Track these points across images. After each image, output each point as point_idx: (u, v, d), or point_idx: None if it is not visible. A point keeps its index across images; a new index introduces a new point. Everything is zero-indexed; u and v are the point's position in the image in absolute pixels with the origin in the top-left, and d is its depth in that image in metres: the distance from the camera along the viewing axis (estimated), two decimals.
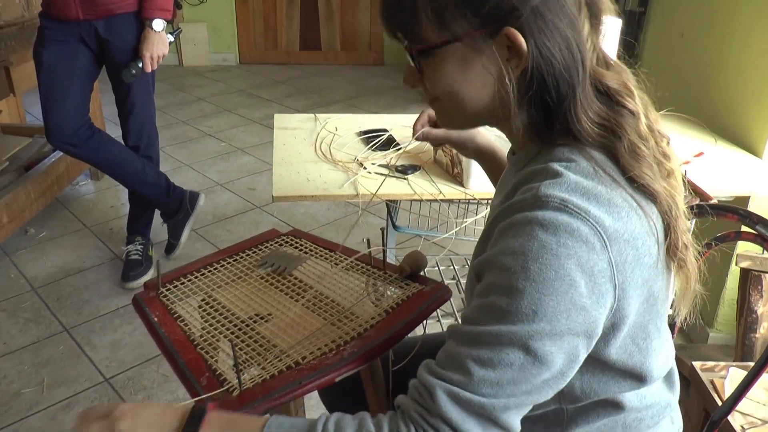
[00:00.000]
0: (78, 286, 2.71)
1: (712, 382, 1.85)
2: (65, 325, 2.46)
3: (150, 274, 2.76)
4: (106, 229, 3.17)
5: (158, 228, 3.00)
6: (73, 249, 2.99)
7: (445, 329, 1.88)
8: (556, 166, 0.80)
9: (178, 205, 2.85)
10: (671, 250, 0.84)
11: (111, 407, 0.85)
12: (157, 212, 2.92)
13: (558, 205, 0.75)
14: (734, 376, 1.87)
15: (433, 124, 1.29)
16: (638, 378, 0.89)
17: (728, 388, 1.84)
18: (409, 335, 1.18)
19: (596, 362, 0.85)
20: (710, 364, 1.90)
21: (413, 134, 1.27)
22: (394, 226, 1.86)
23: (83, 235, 3.12)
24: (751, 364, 1.93)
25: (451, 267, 2.21)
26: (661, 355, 0.91)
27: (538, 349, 0.75)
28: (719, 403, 1.81)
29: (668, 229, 0.83)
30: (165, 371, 2.22)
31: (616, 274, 0.76)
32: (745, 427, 1.74)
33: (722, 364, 1.92)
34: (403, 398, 0.84)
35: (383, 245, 1.35)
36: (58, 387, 2.15)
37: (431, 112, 1.26)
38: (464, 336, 0.80)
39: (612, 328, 0.81)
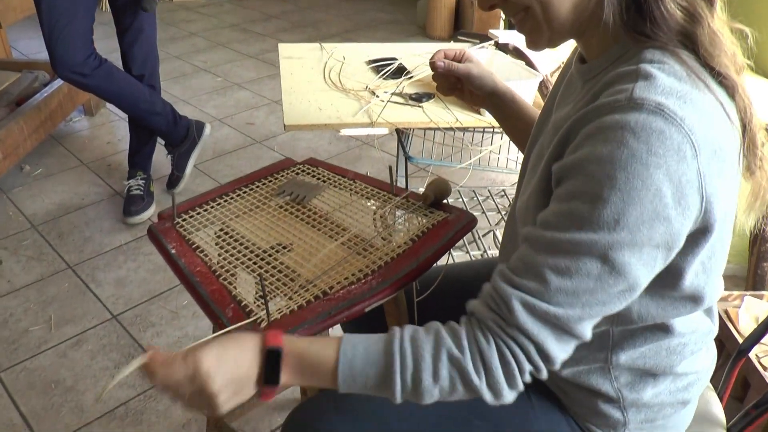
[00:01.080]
0: (78, 224, 2.66)
1: (726, 312, 1.84)
2: (68, 262, 2.42)
3: (152, 210, 2.70)
4: (104, 165, 3.10)
5: (158, 164, 2.94)
6: (71, 186, 2.93)
7: (471, 258, 1.85)
8: (648, 68, 0.75)
9: (184, 134, 2.78)
10: (749, 152, 0.80)
11: (191, 365, 0.80)
12: (159, 147, 2.85)
13: (653, 108, 0.71)
14: (749, 305, 1.86)
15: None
16: (695, 301, 0.87)
17: (743, 317, 1.83)
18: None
19: (661, 284, 0.82)
20: (724, 293, 1.88)
21: (433, 67, 1.21)
22: (407, 157, 1.80)
23: (81, 171, 3.05)
24: (765, 293, 1.92)
25: (475, 198, 2.17)
26: (719, 277, 0.88)
27: (616, 260, 0.73)
28: (734, 332, 1.80)
29: (744, 130, 0.80)
30: (172, 308, 2.19)
31: (704, 184, 0.72)
32: (760, 355, 1.73)
33: (735, 293, 1.91)
34: (478, 306, 0.83)
35: (405, 173, 1.30)
36: (65, 324, 2.12)
37: (447, 50, 1.22)
38: (542, 243, 0.78)
39: (693, 241, 0.79)
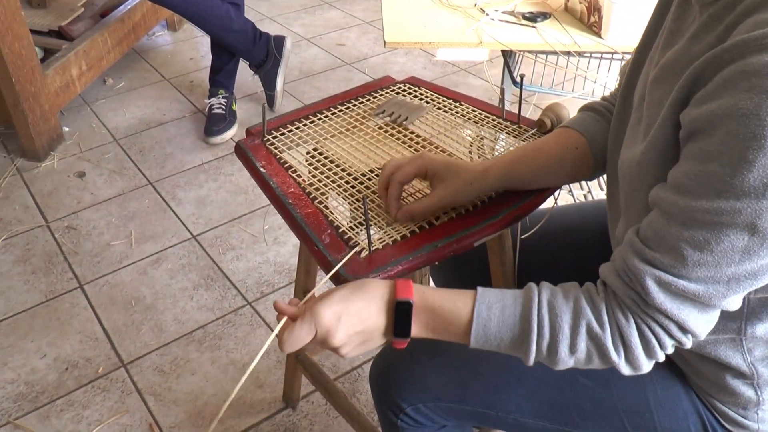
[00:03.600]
0: (160, 139, 2.67)
1: None
2: (149, 178, 2.44)
3: (234, 130, 2.69)
4: (186, 81, 3.10)
5: (242, 83, 2.91)
6: (153, 101, 2.94)
7: (575, 198, 1.76)
8: None
9: (265, 53, 2.73)
10: None
11: (312, 325, 0.79)
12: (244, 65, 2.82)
13: None
14: None
15: None
16: None
17: None
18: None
19: None
20: None
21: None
22: (513, 82, 1.70)
23: (163, 87, 3.06)
24: None
25: None
26: None
27: (766, 229, 0.65)
28: None
29: None
30: (253, 231, 2.18)
31: None
32: None
33: None
34: (612, 278, 0.78)
35: (514, 101, 1.21)
36: (146, 241, 2.15)
37: None
38: (676, 211, 0.70)
39: None
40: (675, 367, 0.94)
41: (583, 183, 1.96)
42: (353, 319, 0.80)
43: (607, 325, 0.76)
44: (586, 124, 1.02)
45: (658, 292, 0.72)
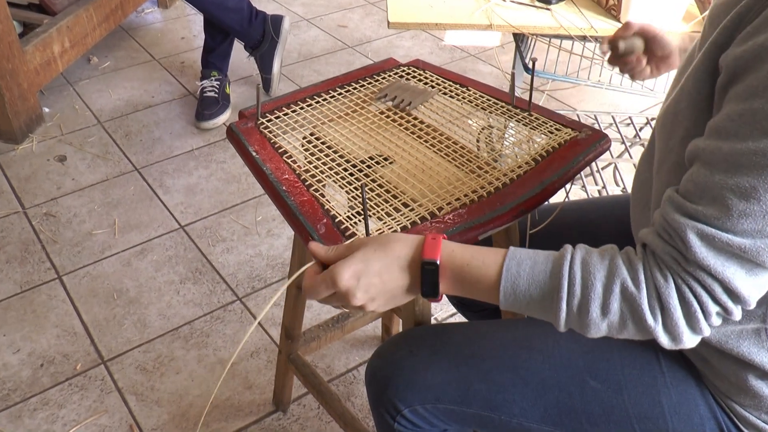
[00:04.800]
0: (147, 123, 2.68)
1: None
2: (135, 164, 2.46)
3: (227, 115, 2.70)
4: (177, 62, 3.11)
5: (236, 65, 2.92)
6: (140, 82, 2.95)
7: (588, 193, 1.76)
8: None
9: (261, 34, 2.73)
10: None
11: (331, 283, 0.82)
12: (239, 46, 2.82)
13: None
14: None
15: None
16: None
17: None
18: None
19: None
20: None
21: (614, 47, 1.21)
22: (525, 68, 1.70)
23: (151, 67, 3.07)
24: None
25: (596, 124, 2.06)
26: None
27: None
28: None
29: None
30: (245, 222, 2.20)
31: None
32: None
33: None
34: (651, 236, 0.78)
35: (524, 87, 1.22)
36: (130, 231, 2.16)
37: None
38: (718, 157, 0.70)
39: None
40: (691, 367, 0.94)
41: (598, 177, 1.97)
42: (374, 279, 0.82)
43: (643, 285, 0.75)
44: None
45: (700, 246, 0.71)
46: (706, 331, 0.75)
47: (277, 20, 2.79)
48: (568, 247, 0.81)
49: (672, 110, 0.82)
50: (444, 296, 0.87)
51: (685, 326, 0.75)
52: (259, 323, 1.85)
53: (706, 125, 0.73)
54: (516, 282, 0.80)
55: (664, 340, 0.76)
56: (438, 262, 0.82)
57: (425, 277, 0.82)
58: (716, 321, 0.75)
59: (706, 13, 0.94)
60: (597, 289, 0.76)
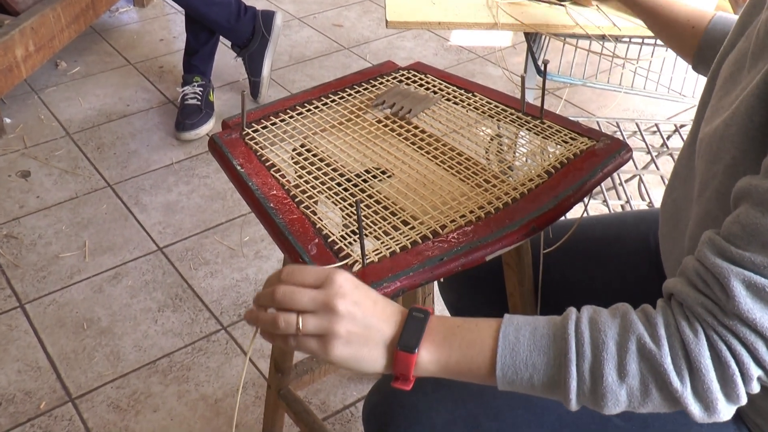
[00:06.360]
0: (122, 134, 2.70)
1: None
2: (108, 179, 2.47)
3: (210, 125, 2.72)
4: (155, 66, 3.13)
5: (221, 69, 2.94)
6: (114, 89, 2.98)
7: (610, 208, 1.77)
8: None
9: (250, 31, 2.76)
10: None
11: (325, 273, 0.81)
12: (225, 48, 2.85)
13: None
14: None
15: None
16: None
17: None
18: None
19: None
20: None
21: None
22: (537, 71, 1.72)
23: (126, 72, 3.09)
24: None
25: (618, 132, 2.08)
26: None
27: None
28: None
29: None
30: (231, 243, 2.21)
31: None
32: None
33: None
34: (680, 285, 0.76)
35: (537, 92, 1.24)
36: (102, 254, 2.17)
37: None
38: None
39: None
40: None
41: (621, 191, 1.98)
42: (367, 300, 0.80)
43: (664, 341, 0.73)
44: (723, 19, 1.14)
45: (745, 296, 0.70)
46: (743, 400, 0.73)
47: (269, 16, 2.82)
48: (572, 309, 0.79)
49: (720, 133, 0.81)
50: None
51: (720, 392, 0.72)
52: (245, 355, 1.85)
53: (762, 162, 0.72)
54: (515, 348, 0.77)
55: (695, 410, 0.73)
56: (429, 313, 0.81)
57: (410, 324, 0.80)
58: (756, 387, 0.73)
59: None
60: (610, 347, 0.74)
